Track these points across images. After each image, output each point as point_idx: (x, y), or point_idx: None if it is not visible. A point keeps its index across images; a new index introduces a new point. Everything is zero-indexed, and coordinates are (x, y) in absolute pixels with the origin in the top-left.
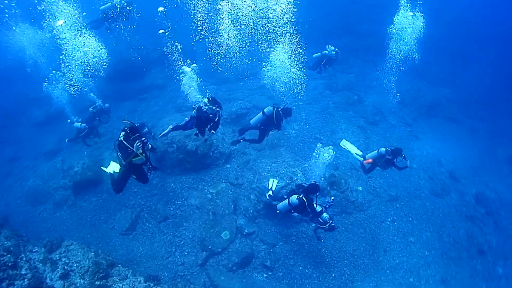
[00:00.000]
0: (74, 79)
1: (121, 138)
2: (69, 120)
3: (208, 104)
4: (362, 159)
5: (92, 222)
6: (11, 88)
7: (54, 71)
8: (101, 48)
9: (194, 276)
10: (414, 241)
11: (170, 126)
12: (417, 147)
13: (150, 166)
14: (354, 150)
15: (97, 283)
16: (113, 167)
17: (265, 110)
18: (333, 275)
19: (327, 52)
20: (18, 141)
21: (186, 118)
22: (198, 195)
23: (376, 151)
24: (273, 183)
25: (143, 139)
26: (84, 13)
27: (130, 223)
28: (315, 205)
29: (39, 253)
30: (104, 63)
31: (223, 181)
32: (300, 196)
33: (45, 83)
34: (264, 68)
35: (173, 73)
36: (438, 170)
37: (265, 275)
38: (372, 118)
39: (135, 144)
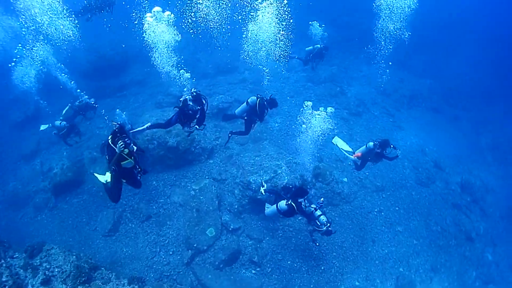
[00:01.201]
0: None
1: (110, 141)
2: (43, 126)
3: (190, 101)
4: (353, 156)
5: (74, 225)
6: None
7: (20, 46)
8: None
9: (180, 276)
10: (402, 231)
11: (148, 123)
12: (400, 137)
13: (140, 169)
14: (345, 147)
15: (80, 287)
16: (107, 176)
17: (249, 100)
18: (322, 268)
19: (318, 46)
20: None
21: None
22: (181, 192)
23: (364, 146)
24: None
25: (126, 139)
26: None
27: (112, 224)
28: (304, 208)
29: (19, 259)
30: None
31: (206, 177)
32: (289, 202)
33: (12, 63)
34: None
35: (152, 70)
36: (423, 160)
37: (253, 271)
38: (355, 109)
39: (117, 145)
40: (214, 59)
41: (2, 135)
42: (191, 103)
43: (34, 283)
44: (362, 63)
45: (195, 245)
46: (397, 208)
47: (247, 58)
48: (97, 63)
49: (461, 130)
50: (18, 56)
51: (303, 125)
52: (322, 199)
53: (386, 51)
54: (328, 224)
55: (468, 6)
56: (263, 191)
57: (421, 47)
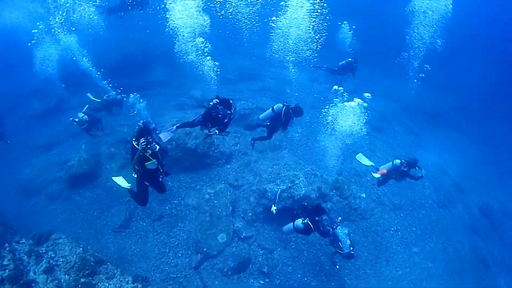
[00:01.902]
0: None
1: (134, 141)
2: (71, 118)
3: (221, 104)
4: (377, 173)
5: (85, 217)
6: (12, 79)
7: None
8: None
9: (186, 279)
10: (418, 252)
11: (177, 124)
12: (422, 156)
13: (162, 171)
14: (368, 163)
15: (82, 280)
16: (125, 183)
17: (274, 106)
18: (332, 284)
19: (350, 59)
20: (16, 132)
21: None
22: (196, 195)
23: (391, 163)
24: (277, 196)
25: (148, 137)
26: None
27: (123, 220)
28: (321, 227)
29: (25, 245)
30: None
31: (222, 181)
32: (305, 221)
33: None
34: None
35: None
36: (444, 180)
37: (261, 282)
38: (378, 124)
39: (139, 142)
40: (237, 65)
41: (22, 124)
42: (221, 107)
43: (36, 270)
44: (386, 76)
45: (204, 250)
46: (414, 229)
47: (277, 56)
48: (121, 61)
49: (483, 151)
50: (36, 38)
51: (329, 117)
52: (339, 218)
53: (416, 63)
54: (351, 248)
55: (492, 23)
56: (274, 210)
57: (446, 62)
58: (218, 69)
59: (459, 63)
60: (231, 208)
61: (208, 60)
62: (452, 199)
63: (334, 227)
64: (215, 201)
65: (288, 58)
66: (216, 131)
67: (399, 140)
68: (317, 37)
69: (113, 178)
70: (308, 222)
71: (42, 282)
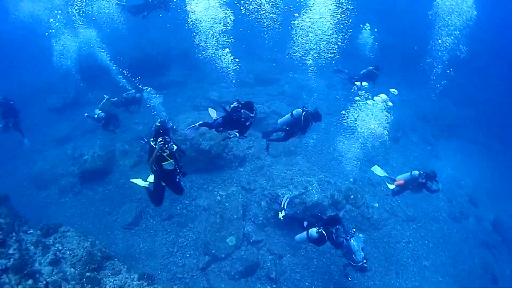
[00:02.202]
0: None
1: (152, 141)
2: (86, 114)
3: (243, 107)
4: (394, 186)
5: (96, 213)
6: (29, 74)
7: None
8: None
9: (193, 280)
10: (429, 266)
11: (200, 122)
12: (437, 168)
13: (179, 171)
14: (383, 174)
15: (88, 274)
16: (144, 182)
17: (293, 112)
18: None
19: (371, 67)
20: (31, 125)
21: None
22: (207, 196)
23: (409, 173)
24: (285, 202)
25: (166, 137)
26: None
27: (133, 218)
28: (335, 238)
29: (33, 235)
30: None
31: (235, 184)
32: (320, 230)
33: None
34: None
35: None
36: (458, 193)
37: (268, 287)
38: (393, 134)
39: (157, 142)
40: (255, 69)
41: (39, 117)
42: (244, 111)
43: (42, 261)
44: (402, 84)
45: (213, 252)
46: (426, 241)
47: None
48: (140, 60)
49: (498, 165)
50: (53, 29)
51: (350, 119)
52: (354, 229)
53: (437, 70)
54: (365, 261)
55: None
56: (281, 217)
57: (465, 73)
58: (238, 67)
59: (479, 73)
60: (242, 211)
61: (227, 54)
62: (465, 212)
63: (348, 238)
64: (227, 204)
65: (308, 63)
66: (237, 133)
67: (414, 150)
68: (339, 38)
69: (132, 180)
70: (323, 232)
71: (47, 273)
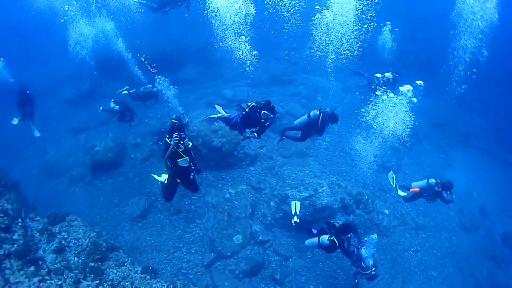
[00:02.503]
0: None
1: (167, 138)
2: (101, 108)
3: (262, 107)
4: (405, 193)
5: (104, 203)
6: (46, 65)
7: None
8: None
9: (197, 277)
10: (435, 276)
11: (220, 114)
12: (450, 176)
13: (194, 168)
14: (394, 184)
15: (91, 264)
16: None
17: (311, 113)
18: None
19: (391, 73)
20: (46, 115)
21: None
22: (216, 194)
23: (426, 181)
24: (296, 207)
25: (181, 133)
26: None
27: (141, 211)
28: (346, 246)
29: (39, 223)
30: None
31: (244, 183)
32: (332, 238)
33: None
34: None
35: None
36: (469, 204)
37: None
38: (408, 139)
39: (172, 138)
40: (270, 69)
41: (55, 108)
42: (265, 111)
43: (46, 248)
44: (418, 90)
45: (219, 249)
46: (434, 251)
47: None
48: (156, 56)
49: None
50: (67, 17)
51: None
52: (366, 238)
53: (457, 76)
54: (373, 269)
55: None
56: (293, 222)
57: (479, 83)
58: (254, 66)
59: (496, 80)
60: (250, 210)
61: (245, 43)
62: (475, 223)
63: (359, 247)
64: (235, 202)
65: (325, 65)
66: (255, 133)
67: (428, 157)
68: (361, 35)
69: (153, 174)
70: (334, 240)
71: (50, 261)
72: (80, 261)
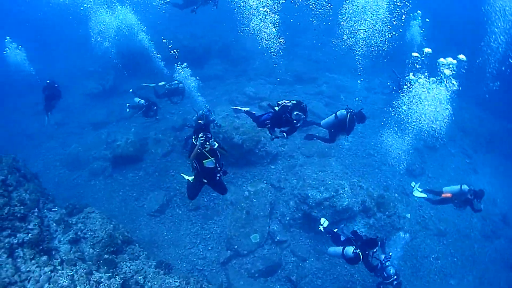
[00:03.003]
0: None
1: (194, 140)
2: (128, 104)
3: (294, 107)
4: (442, 196)
5: (124, 197)
6: (70, 60)
7: None
8: None
9: (212, 274)
10: (454, 285)
11: (247, 108)
12: (474, 182)
13: (220, 169)
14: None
15: (106, 256)
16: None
17: (338, 113)
18: None
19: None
20: (68, 108)
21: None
22: (235, 191)
23: (459, 186)
24: (324, 223)
25: (207, 133)
26: None
27: (160, 205)
28: (370, 260)
29: (56, 213)
30: None
31: (264, 181)
32: (357, 251)
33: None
34: None
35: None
36: (492, 211)
37: None
38: (432, 142)
39: (198, 138)
40: (293, 67)
41: (75, 102)
42: (297, 112)
43: (62, 239)
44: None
45: (235, 247)
46: (455, 259)
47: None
48: (180, 52)
49: None
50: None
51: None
52: (390, 253)
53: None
54: (395, 277)
55: None
56: (322, 228)
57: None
58: (277, 64)
59: None
60: (269, 209)
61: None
62: (497, 231)
63: (383, 261)
64: (254, 200)
65: (356, 62)
66: (285, 133)
67: (452, 161)
68: (390, 28)
69: (182, 174)
70: (359, 253)
71: (64, 251)
72: (95, 252)
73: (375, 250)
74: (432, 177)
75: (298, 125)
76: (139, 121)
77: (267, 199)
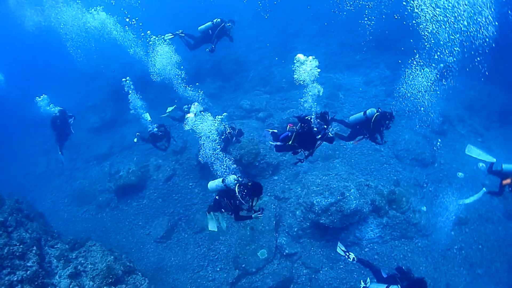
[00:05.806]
0: None
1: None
2: (138, 133)
3: (316, 118)
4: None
5: (130, 226)
6: (70, 97)
7: None
8: None
9: None
10: (482, 274)
11: (274, 130)
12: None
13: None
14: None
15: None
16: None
17: (367, 111)
18: None
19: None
20: (74, 145)
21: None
22: None
23: None
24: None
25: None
26: None
27: (165, 231)
28: None
29: (57, 249)
30: None
31: (268, 194)
32: None
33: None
34: None
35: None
36: None
37: None
38: (439, 127)
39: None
40: (288, 73)
41: (79, 137)
42: (316, 122)
43: (62, 274)
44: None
45: (243, 266)
46: (480, 246)
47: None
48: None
49: None
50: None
51: None
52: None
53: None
54: None
55: None
56: (353, 259)
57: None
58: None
59: None
60: (274, 222)
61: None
62: None
63: None
64: None
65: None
66: (305, 153)
67: (464, 143)
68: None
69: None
70: None
71: (64, 286)
72: (95, 285)
73: None
74: (445, 163)
75: (319, 136)
76: (141, 148)
77: (272, 212)
